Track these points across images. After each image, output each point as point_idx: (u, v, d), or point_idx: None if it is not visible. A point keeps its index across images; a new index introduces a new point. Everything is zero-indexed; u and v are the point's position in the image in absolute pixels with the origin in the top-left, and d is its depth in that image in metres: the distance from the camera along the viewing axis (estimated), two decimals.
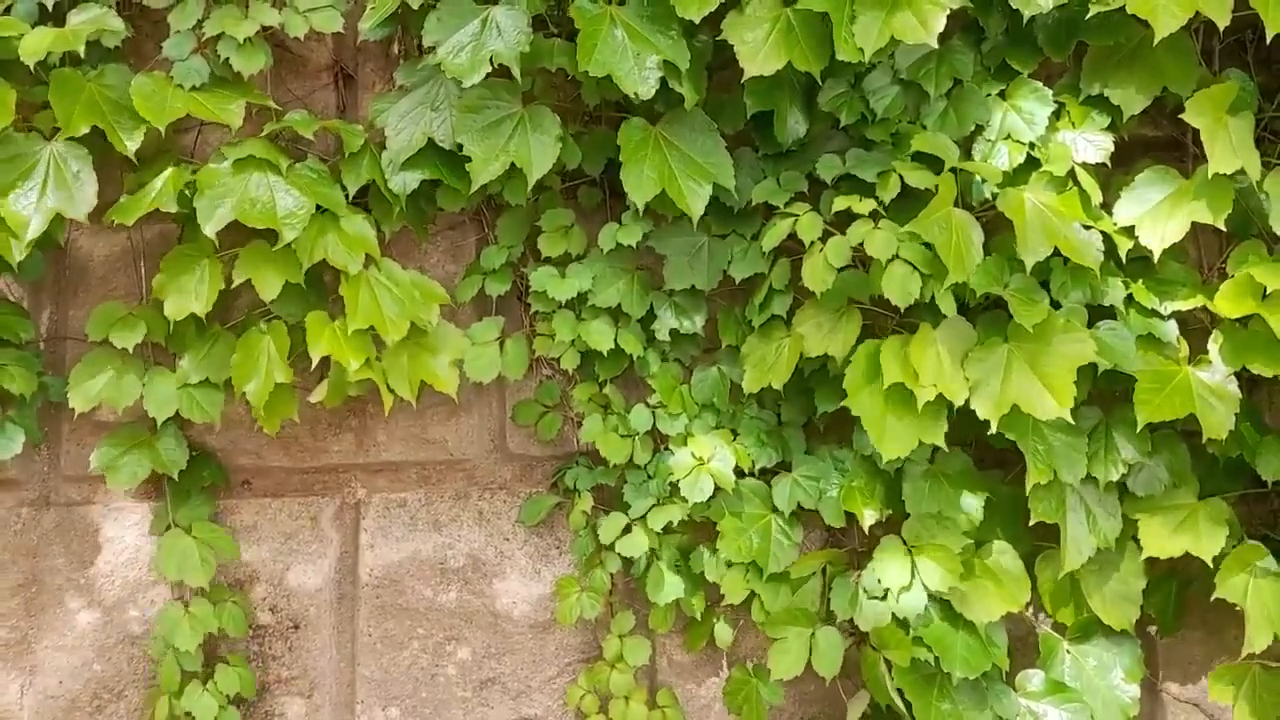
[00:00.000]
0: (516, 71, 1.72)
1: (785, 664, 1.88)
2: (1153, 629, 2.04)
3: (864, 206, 1.77)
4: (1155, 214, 1.80)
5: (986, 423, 1.74)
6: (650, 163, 1.80)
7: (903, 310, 1.75)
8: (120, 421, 1.94)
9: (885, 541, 1.86)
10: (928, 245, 1.73)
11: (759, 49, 1.72)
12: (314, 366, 1.81)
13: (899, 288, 1.73)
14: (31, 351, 1.91)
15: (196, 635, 1.89)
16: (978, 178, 1.81)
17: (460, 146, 1.78)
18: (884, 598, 1.84)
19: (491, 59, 1.71)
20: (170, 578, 1.91)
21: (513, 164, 1.78)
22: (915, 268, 1.73)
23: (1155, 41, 1.67)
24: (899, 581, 1.82)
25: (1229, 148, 1.74)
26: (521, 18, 1.72)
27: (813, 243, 1.78)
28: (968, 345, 1.77)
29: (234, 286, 1.79)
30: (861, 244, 1.75)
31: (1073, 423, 1.74)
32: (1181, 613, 2.00)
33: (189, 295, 1.79)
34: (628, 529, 1.93)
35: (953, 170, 1.75)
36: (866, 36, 1.68)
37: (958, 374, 1.75)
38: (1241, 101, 1.77)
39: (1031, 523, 1.85)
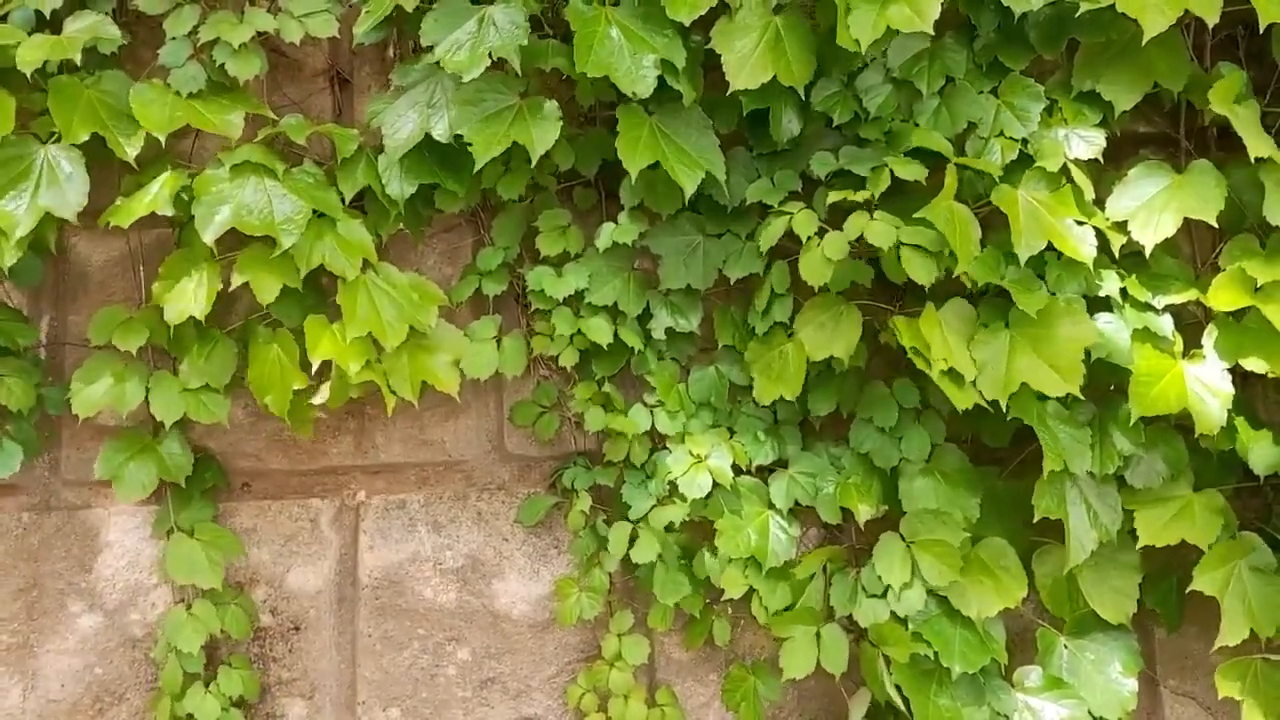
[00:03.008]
0: (516, 63, 1.71)
1: (796, 663, 1.87)
2: (1150, 623, 2.04)
3: (860, 196, 1.77)
4: (1148, 209, 1.81)
5: (981, 420, 1.75)
6: (646, 144, 1.80)
7: (902, 301, 1.75)
8: (121, 426, 1.94)
9: (884, 539, 1.86)
10: (930, 227, 1.73)
11: (746, 61, 1.73)
12: (315, 370, 1.81)
13: (920, 268, 1.74)
14: (31, 360, 1.91)
15: (199, 637, 1.89)
16: (970, 173, 1.82)
17: (459, 138, 1.77)
18: (883, 595, 1.84)
19: (490, 53, 1.71)
20: (180, 581, 1.91)
21: (511, 157, 1.77)
22: (927, 250, 1.74)
23: (1145, 39, 1.67)
24: (900, 579, 1.83)
25: (1258, 133, 1.74)
26: (519, 14, 1.73)
27: (809, 238, 1.79)
28: (971, 328, 1.79)
29: (232, 290, 1.78)
30: (859, 237, 1.75)
31: (1081, 398, 1.75)
32: (1183, 609, 2.00)
33: (187, 299, 1.78)
34: (634, 536, 1.93)
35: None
36: (862, 28, 1.68)
37: (964, 354, 1.76)
38: (1245, 93, 1.78)
39: (1035, 519, 1.84)
